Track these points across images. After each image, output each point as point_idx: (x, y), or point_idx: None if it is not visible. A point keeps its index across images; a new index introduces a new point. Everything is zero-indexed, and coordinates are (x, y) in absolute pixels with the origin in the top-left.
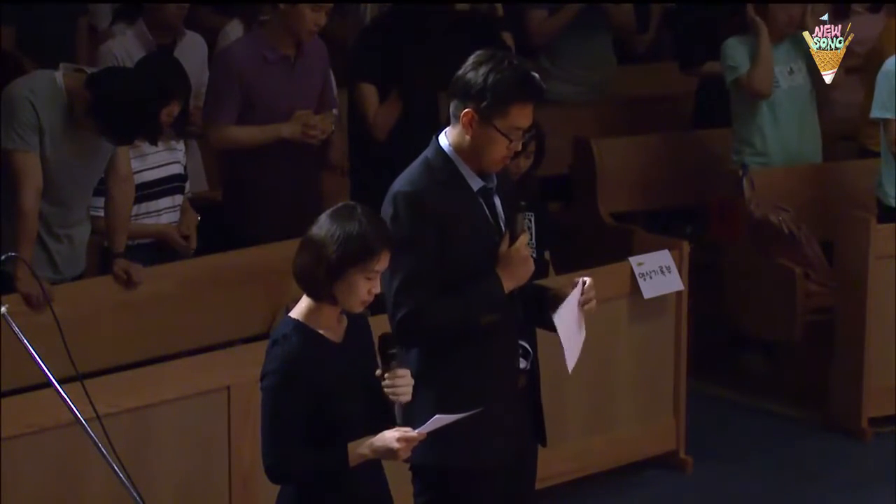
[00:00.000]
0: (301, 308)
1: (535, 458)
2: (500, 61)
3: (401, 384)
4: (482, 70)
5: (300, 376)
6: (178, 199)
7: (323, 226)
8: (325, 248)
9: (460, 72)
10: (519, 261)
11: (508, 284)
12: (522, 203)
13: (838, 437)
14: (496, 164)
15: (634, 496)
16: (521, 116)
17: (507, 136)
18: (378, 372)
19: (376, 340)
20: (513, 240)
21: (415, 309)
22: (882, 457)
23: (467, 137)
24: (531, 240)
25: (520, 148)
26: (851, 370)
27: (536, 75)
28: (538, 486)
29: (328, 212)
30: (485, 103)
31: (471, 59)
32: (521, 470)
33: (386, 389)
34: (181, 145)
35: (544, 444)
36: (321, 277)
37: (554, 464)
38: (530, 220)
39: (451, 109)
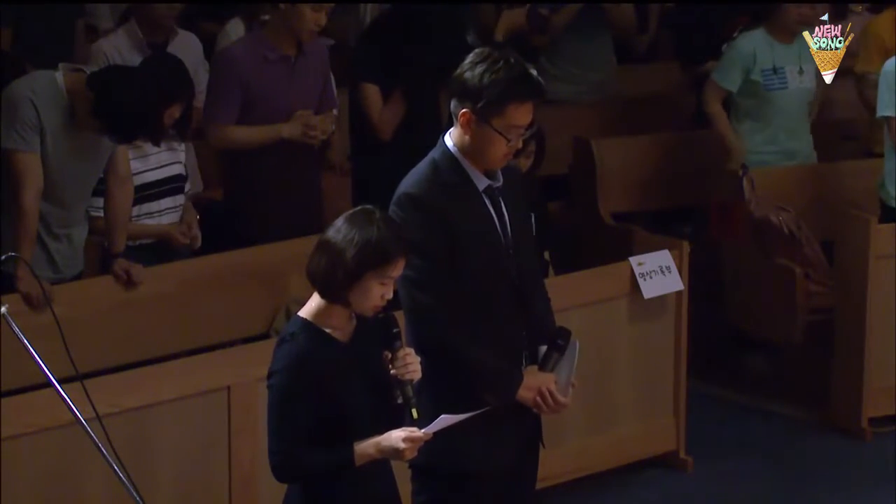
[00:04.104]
0: (310, 307)
1: (535, 461)
2: (496, 61)
3: (410, 361)
4: (478, 70)
5: (307, 375)
6: (179, 199)
7: (341, 230)
8: (344, 253)
9: (458, 71)
10: (544, 394)
11: (524, 394)
12: (559, 342)
13: (838, 437)
14: (497, 162)
15: (634, 496)
16: (519, 115)
17: (505, 136)
18: (385, 354)
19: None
20: (543, 366)
21: (428, 308)
22: (882, 457)
23: (466, 137)
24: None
25: (520, 146)
26: (851, 370)
27: (534, 73)
28: (538, 486)
29: (346, 215)
30: (481, 104)
31: (468, 59)
32: (521, 474)
33: (395, 370)
34: (182, 146)
35: (544, 445)
36: (338, 281)
37: (554, 464)
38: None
39: (450, 108)
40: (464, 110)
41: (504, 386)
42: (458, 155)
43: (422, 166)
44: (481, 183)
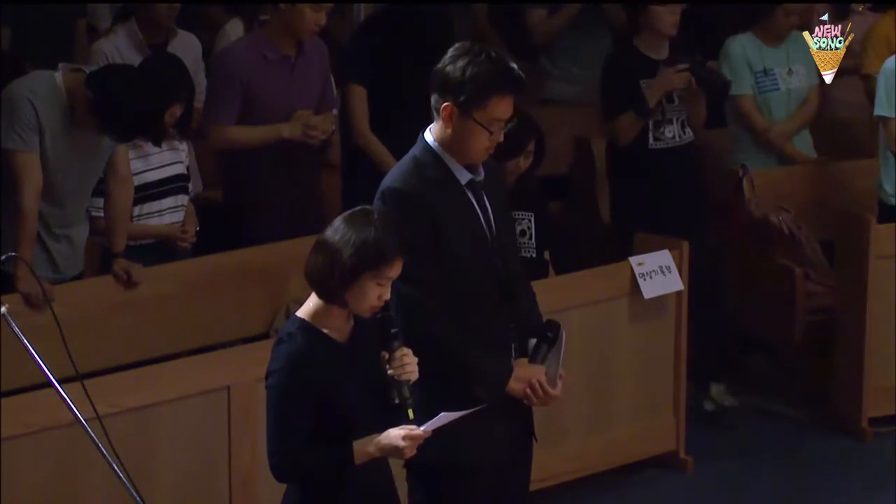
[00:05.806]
0: (308, 307)
1: (529, 455)
2: (477, 54)
3: (407, 362)
4: (460, 63)
5: (305, 375)
6: (181, 199)
7: (339, 230)
8: (341, 253)
9: (439, 65)
10: (534, 386)
11: (515, 386)
12: (548, 334)
13: (838, 437)
14: (479, 155)
15: (634, 496)
16: (501, 108)
17: (488, 129)
18: (383, 354)
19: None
20: (533, 358)
21: (415, 301)
22: (882, 457)
23: (448, 131)
24: (531, 240)
25: (501, 139)
26: (851, 370)
27: (515, 66)
28: (538, 486)
29: (344, 215)
30: (463, 97)
31: (449, 53)
32: (515, 468)
33: (392, 371)
34: (184, 145)
35: (536, 439)
36: (335, 281)
37: (554, 464)
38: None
39: (432, 103)
40: (445, 104)
41: (494, 380)
42: (438, 150)
43: (404, 162)
44: (463, 177)
